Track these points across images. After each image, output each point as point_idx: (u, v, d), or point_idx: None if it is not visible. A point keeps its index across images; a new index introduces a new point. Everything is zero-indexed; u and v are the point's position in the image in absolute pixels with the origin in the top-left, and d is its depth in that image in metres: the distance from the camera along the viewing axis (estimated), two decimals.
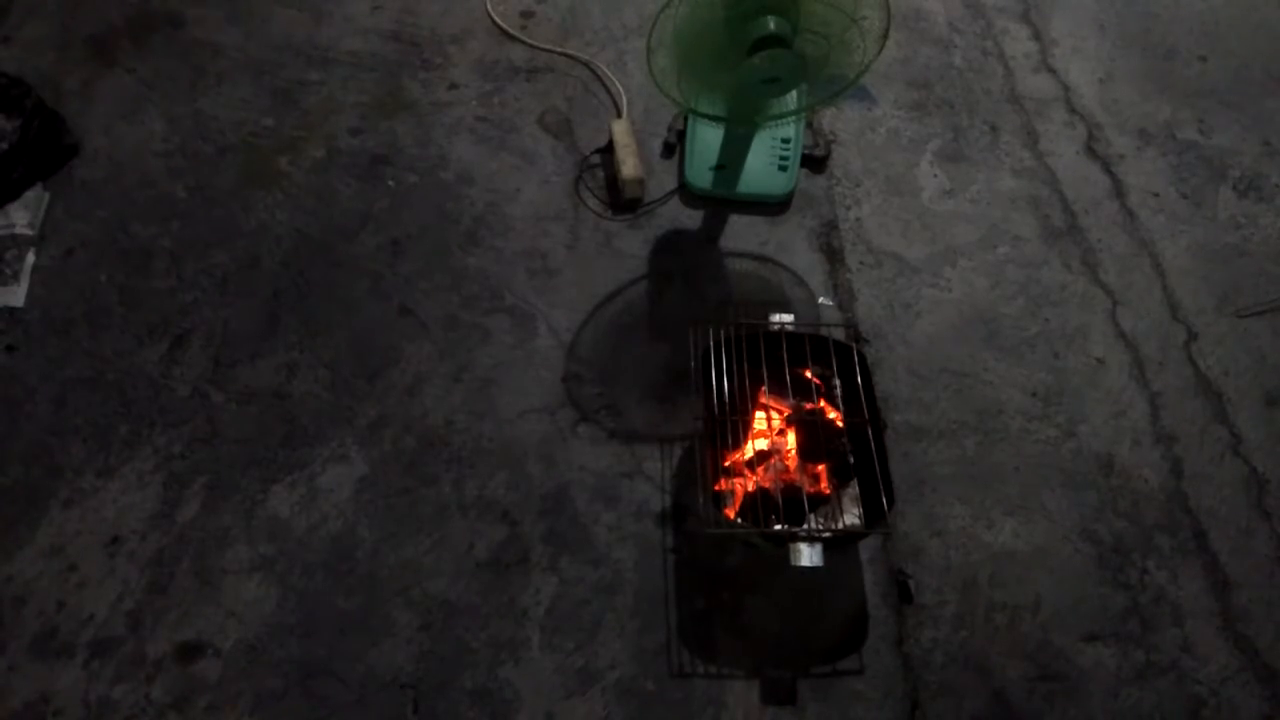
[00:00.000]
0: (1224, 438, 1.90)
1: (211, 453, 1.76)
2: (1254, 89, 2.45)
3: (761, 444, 1.69)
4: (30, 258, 1.94)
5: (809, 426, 1.67)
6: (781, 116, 1.97)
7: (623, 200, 2.13)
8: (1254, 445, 1.89)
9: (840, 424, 1.67)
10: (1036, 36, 2.49)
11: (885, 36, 1.64)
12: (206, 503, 1.71)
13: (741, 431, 1.67)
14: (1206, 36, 2.54)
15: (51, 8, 2.37)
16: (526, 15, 2.44)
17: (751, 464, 1.67)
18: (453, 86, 2.30)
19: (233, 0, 2.41)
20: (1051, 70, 2.43)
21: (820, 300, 2.03)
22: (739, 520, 1.60)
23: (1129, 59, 2.47)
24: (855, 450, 1.65)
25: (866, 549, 1.74)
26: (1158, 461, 1.86)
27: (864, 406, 1.63)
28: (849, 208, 2.16)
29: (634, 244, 2.09)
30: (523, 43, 2.39)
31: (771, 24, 1.59)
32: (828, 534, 1.55)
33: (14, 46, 2.29)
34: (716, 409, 1.64)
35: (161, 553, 1.66)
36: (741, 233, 2.12)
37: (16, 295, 1.89)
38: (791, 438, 1.68)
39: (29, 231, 1.96)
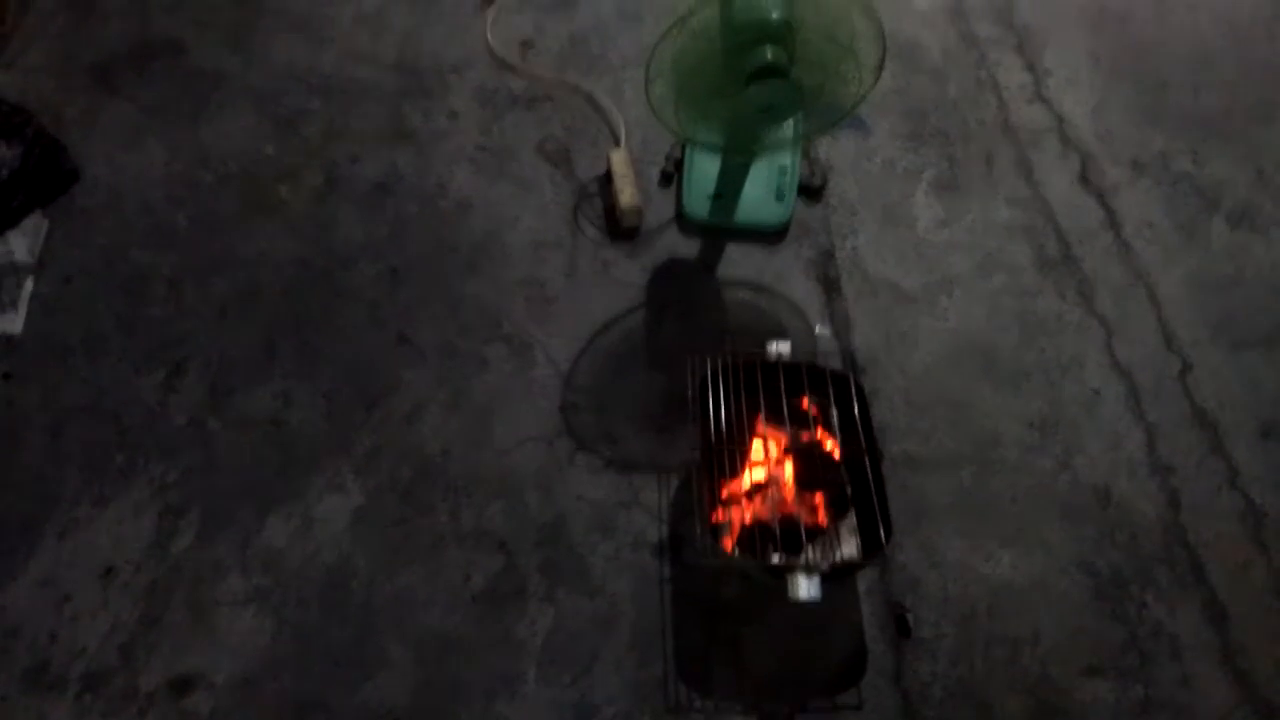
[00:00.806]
0: (1221, 470, 1.90)
1: (207, 482, 1.76)
2: (1246, 120, 2.47)
3: (759, 474, 1.69)
4: (29, 285, 1.94)
5: (806, 457, 1.67)
6: (778, 146, 1.99)
7: (621, 229, 2.14)
8: (1251, 477, 1.89)
9: (837, 455, 1.67)
10: (1030, 68, 2.51)
11: (880, 67, 1.65)
12: (201, 533, 1.71)
13: (739, 461, 1.67)
14: (1198, 68, 2.56)
15: (53, 35, 2.39)
16: (526, 45, 2.46)
17: (749, 494, 1.67)
18: (452, 115, 2.32)
19: (234, 29, 2.43)
20: (1045, 101, 2.45)
21: (817, 329, 2.03)
22: (736, 552, 1.60)
23: (1122, 90, 2.49)
24: (852, 481, 1.65)
25: (864, 581, 1.74)
26: (1155, 493, 1.86)
27: (861, 437, 1.63)
28: (845, 237, 2.17)
29: (632, 272, 2.09)
30: (522, 72, 2.40)
31: (769, 54, 1.60)
32: (826, 566, 1.55)
33: (15, 73, 2.30)
34: (714, 439, 1.64)
35: (155, 584, 1.65)
36: (739, 261, 2.13)
37: (14, 323, 1.89)
38: (789, 468, 1.68)
39: (28, 259, 1.96)
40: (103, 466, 1.76)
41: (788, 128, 1.91)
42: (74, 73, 2.30)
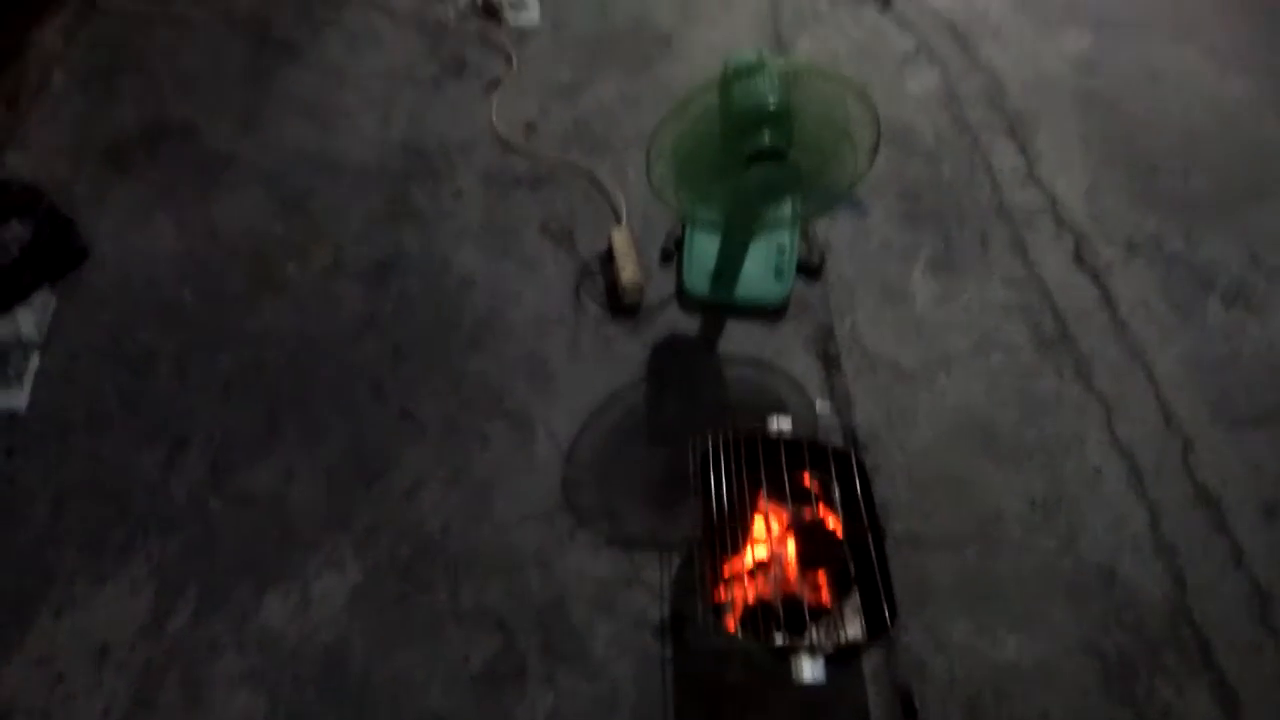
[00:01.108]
0: (1225, 550, 1.89)
1: (205, 559, 1.75)
2: (1237, 200, 2.52)
3: (761, 552, 1.68)
4: (34, 361, 1.96)
5: (808, 535, 1.66)
6: (777, 226, 2.02)
7: (622, 305, 2.17)
8: (1256, 557, 1.88)
9: (840, 533, 1.66)
10: (1022, 151, 2.58)
11: (876, 150, 1.70)
12: (198, 611, 1.69)
13: (741, 538, 1.66)
14: (1188, 149, 2.63)
15: (68, 116, 2.45)
16: (530, 127, 2.52)
17: (751, 573, 1.65)
18: (457, 194, 2.37)
19: (245, 112, 2.49)
20: (1038, 182, 2.50)
21: (818, 405, 2.04)
22: (739, 632, 1.58)
23: (1113, 172, 2.55)
24: (856, 559, 1.64)
25: (869, 663, 1.71)
26: (1160, 574, 1.85)
27: (863, 514, 1.63)
28: (844, 314, 2.19)
29: (633, 349, 2.11)
30: (526, 153, 2.46)
31: (767, 139, 1.64)
32: (830, 648, 1.53)
33: (30, 153, 2.36)
34: (715, 516, 1.63)
35: (150, 663, 1.63)
36: (739, 338, 2.15)
37: (19, 399, 1.90)
38: (791, 545, 1.67)
39: (35, 335, 1.98)
40: (102, 544, 1.75)
41: (786, 208, 1.95)
42: (87, 153, 2.36)
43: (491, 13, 2.80)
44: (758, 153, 1.65)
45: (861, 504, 1.63)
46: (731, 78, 1.67)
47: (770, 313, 2.18)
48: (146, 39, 2.65)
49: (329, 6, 2.80)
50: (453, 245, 2.26)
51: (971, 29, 2.93)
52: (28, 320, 1.99)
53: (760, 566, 1.66)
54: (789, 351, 2.13)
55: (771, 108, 1.63)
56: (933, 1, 3.02)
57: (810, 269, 2.25)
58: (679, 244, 2.27)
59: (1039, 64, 2.83)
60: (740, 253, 2.13)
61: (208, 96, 2.51)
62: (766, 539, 1.69)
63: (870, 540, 1.60)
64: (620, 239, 2.21)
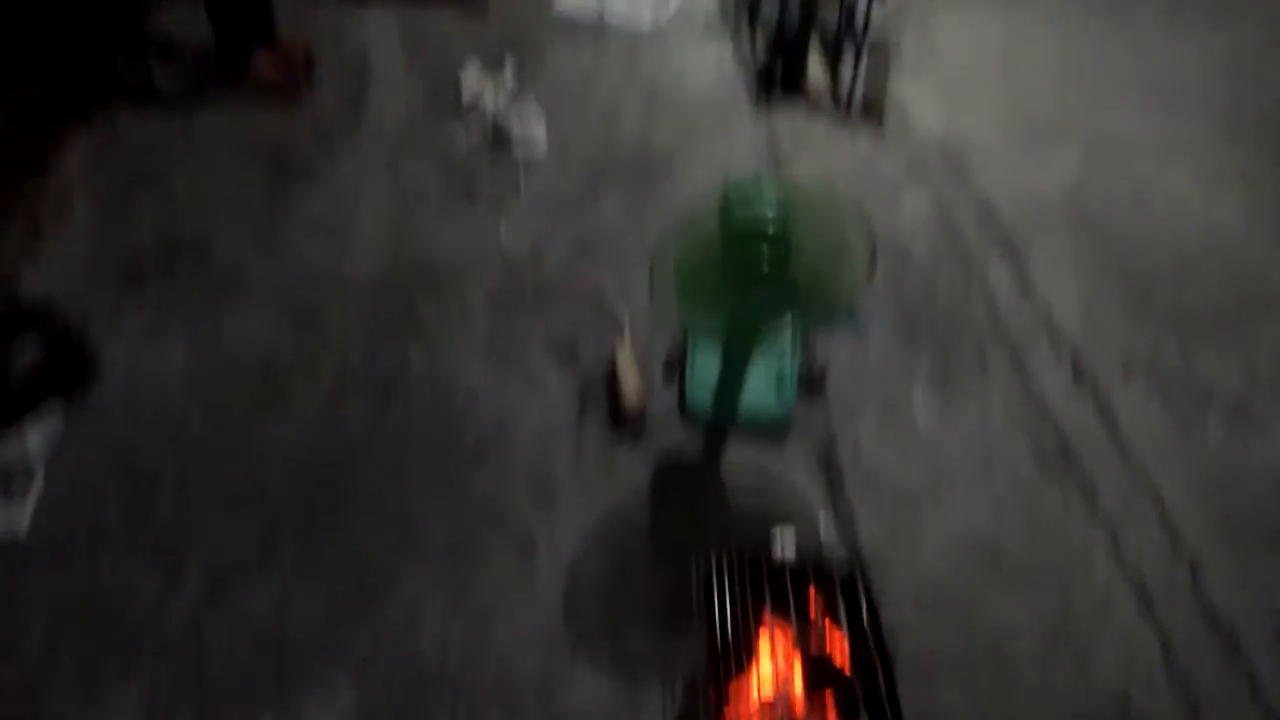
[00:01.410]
0: (1240, 677, 1.84)
1: (200, 686, 1.71)
2: (1231, 317, 2.55)
3: (767, 685, 1.64)
4: (39, 479, 1.96)
5: (815, 666, 1.63)
6: (777, 343, 2.05)
7: (625, 422, 2.18)
8: (1271, 683, 1.83)
9: (847, 659, 1.63)
10: (1016, 270, 2.63)
11: (873, 271, 1.74)
12: None
13: (746, 659, 1.62)
14: (1179, 266, 2.68)
15: (86, 234, 2.52)
16: (537, 248, 2.59)
17: (760, 713, 1.61)
18: (464, 312, 2.41)
19: (259, 228, 2.56)
20: (1033, 302, 2.55)
21: (821, 525, 2.03)
22: None
23: (1107, 291, 2.59)
24: (864, 687, 1.60)
25: None
26: (1175, 704, 1.80)
27: (870, 641, 1.60)
28: (846, 433, 2.20)
29: (636, 466, 2.11)
30: (531, 272, 2.52)
31: (766, 264, 1.69)
32: None
33: (47, 271, 2.41)
34: (719, 642, 1.60)
35: None
36: (742, 456, 2.16)
37: (21, 517, 1.90)
38: (798, 674, 1.64)
39: (40, 454, 1.99)
40: (96, 670, 1.71)
41: (786, 326, 1.98)
42: (103, 270, 2.42)
43: (501, 144, 2.91)
44: (757, 276, 1.70)
45: (869, 635, 1.61)
46: (731, 201, 1.72)
47: (773, 430, 2.19)
48: (166, 162, 2.76)
49: (346, 135, 2.91)
50: (458, 361, 2.29)
51: (962, 151, 3.03)
52: (34, 438, 2.00)
53: (767, 707, 1.62)
54: (792, 470, 2.13)
55: (770, 234, 1.68)
56: (923, 125, 3.13)
57: (811, 387, 2.27)
58: (681, 361, 2.30)
59: (1028, 185, 2.92)
60: (741, 369, 2.15)
61: (223, 216, 2.59)
62: (773, 669, 1.66)
63: (879, 671, 1.57)
64: (623, 355, 2.24)
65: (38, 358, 2.07)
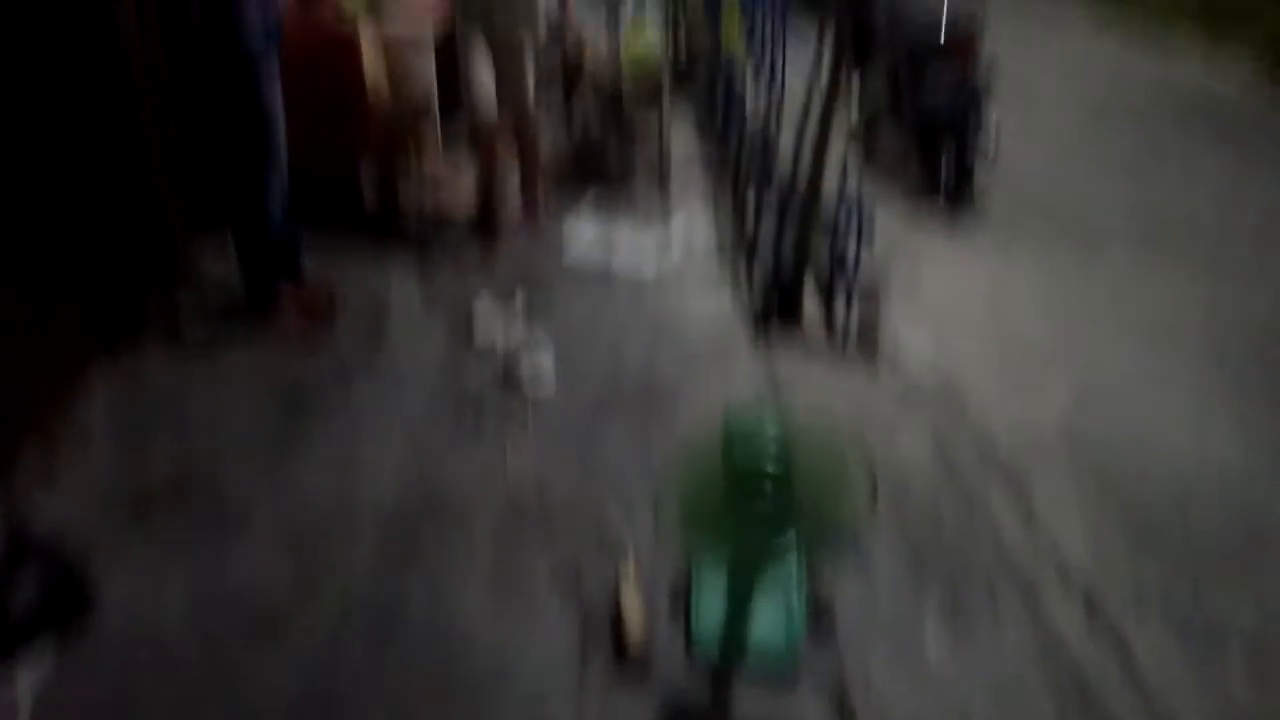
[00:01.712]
0: None
1: None
2: (1239, 551, 2.55)
3: None
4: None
5: None
6: (784, 574, 2.04)
7: (629, 660, 2.12)
8: None
9: None
10: (1019, 501, 2.65)
11: (874, 507, 1.77)
12: None
13: None
14: (1182, 499, 2.70)
15: (100, 462, 2.57)
16: (543, 477, 2.63)
17: None
18: (468, 542, 2.41)
19: (270, 458, 2.62)
20: (1038, 535, 2.55)
21: None
22: None
23: (1113, 524, 2.60)
24: None
25: None
26: None
27: None
28: (858, 673, 2.13)
29: (641, 710, 2.03)
30: (538, 502, 2.55)
31: (767, 505, 1.72)
32: None
33: (57, 499, 2.44)
34: None
35: None
36: (751, 698, 2.08)
37: None
38: None
39: (28, 693, 1.93)
40: None
41: (791, 561, 1.98)
42: (112, 500, 2.45)
43: (511, 377, 3.03)
44: (759, 515, 1.72)
45: None
46: (733, 435, 1.78)
47: (782, 671, 2.13)
48: (185, 395, 2.86)
49: (362, 369, 3.04)
50: (458, 596, 2.26)
51: (958, 384, 3.14)
52: (24, 679, 1.95)
53: None
54: (803, 713, 2.05)
55: (771, 474, 1.73)
56: (917, 358, 3.26)
57: (820, 625, 2.23)
58: (687, 597, 2.27)
59: (1025, 418, 3.00)
60: (747, 597, 2.11)
61: (236, 451, 2.65)
62: None
63: None
64: (627, 587, 2.22)
65: (37, 597, 2.05)
